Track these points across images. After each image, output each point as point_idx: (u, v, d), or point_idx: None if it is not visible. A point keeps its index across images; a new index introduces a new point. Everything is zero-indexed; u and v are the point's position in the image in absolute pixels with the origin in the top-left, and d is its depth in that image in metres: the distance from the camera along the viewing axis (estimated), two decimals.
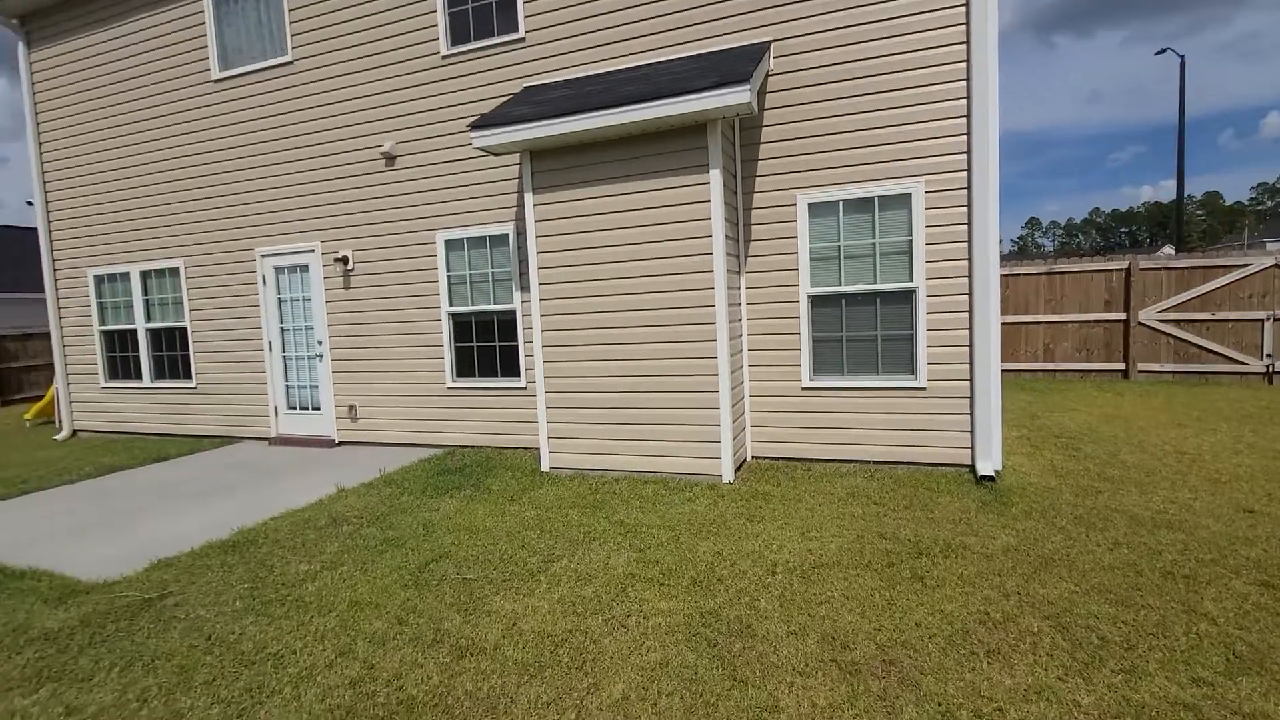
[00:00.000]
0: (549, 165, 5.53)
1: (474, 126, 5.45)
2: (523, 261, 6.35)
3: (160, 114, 7.94)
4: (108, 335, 8.74)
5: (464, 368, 6.77)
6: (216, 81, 7.60)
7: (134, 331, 8.51)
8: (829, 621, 2.99)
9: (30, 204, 8.86)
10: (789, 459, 5.76)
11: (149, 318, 8.42)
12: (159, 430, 8.53)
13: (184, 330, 8.19)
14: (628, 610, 3.16)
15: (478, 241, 6.57)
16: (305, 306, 7.51)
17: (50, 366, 13.74)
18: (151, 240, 8.21)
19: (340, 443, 7.43)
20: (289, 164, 7.32)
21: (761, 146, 5.62)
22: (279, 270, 7.60)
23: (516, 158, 6.28)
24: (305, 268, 7.43)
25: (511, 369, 6.56)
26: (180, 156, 7.91)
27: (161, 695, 2.65)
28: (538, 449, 6.32)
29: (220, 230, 7.80)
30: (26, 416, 11.46)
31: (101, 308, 8.70)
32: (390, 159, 6.86)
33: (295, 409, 7.71)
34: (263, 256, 7.61)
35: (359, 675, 2.71)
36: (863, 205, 5.37)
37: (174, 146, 7.93)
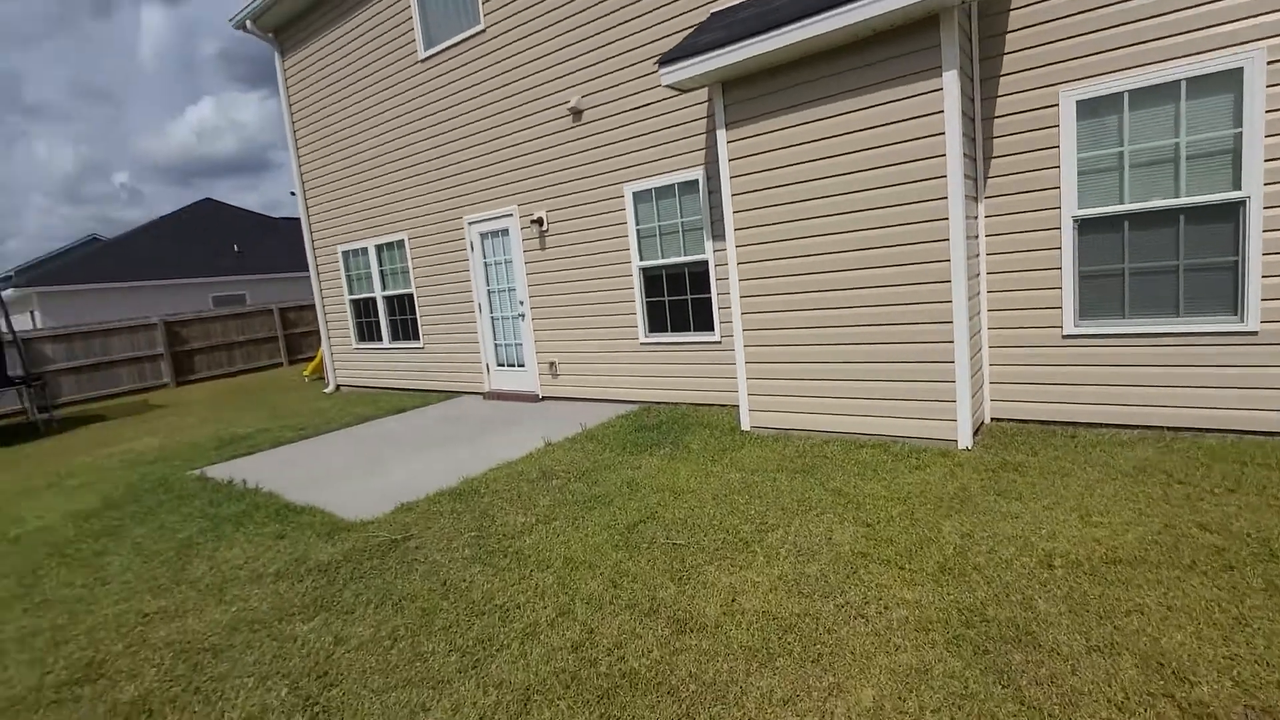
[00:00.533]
0: (742, 96, 5.00)
1: (661, 62, 5.08)
2: (714, 208, 5.95)
3: (381, 99, 8.74)
4: (355, 303, 10.09)
5: (656, 323, 6.63)
6: (423, 61, 8.12)
7: (374, 299, 9.71)
8: (1147, 639, 2.29)
9: (293, 194, 10.33)
10: (1042, 421, 4.77)
11: (384, 286, 9.53)
12: (397, 385, 9.73)
13: (411, 296, 9.14)
14: (864, 596, 2.73)
15: (665, 191, 6.29)
16: (507, 269, 7.90)
17: (319, 332, 16.51)
18: (383, 216, 9.20)
19: (542, 398, 7.81)
20: (487, 131, 7.63)
21: (1007, 37, 4.52)
22: (484, 236, 8.06)
23: (704, 95, 5.82)
24: (505, 232, 7.78)
25: (705, 323, 6.27)
26: (400, 136, 8.67)
27: (408, 636, 2.82)
28: (735, 407, 6.00)
29: (435, 202, 8.46)
30: (304, 373, 13.91)
31: (349, 279, 10.05)
32: (577, 114, 6.80)
33: (503, 366, 8.25)
34: (470, 224, 8.11)
35: (580, 639, 2.64)
36: (1156, 95, 4.08)
37: (395, 128, 8.70)
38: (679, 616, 2.72)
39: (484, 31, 7.41)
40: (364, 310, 9.96)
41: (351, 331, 10.22)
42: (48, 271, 20.25)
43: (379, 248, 9.40)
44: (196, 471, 6.17)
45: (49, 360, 13.93)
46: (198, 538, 4.34)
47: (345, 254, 9.96)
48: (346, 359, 10.51)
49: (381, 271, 9.49)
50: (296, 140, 10.24)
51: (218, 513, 4.80)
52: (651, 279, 6.58)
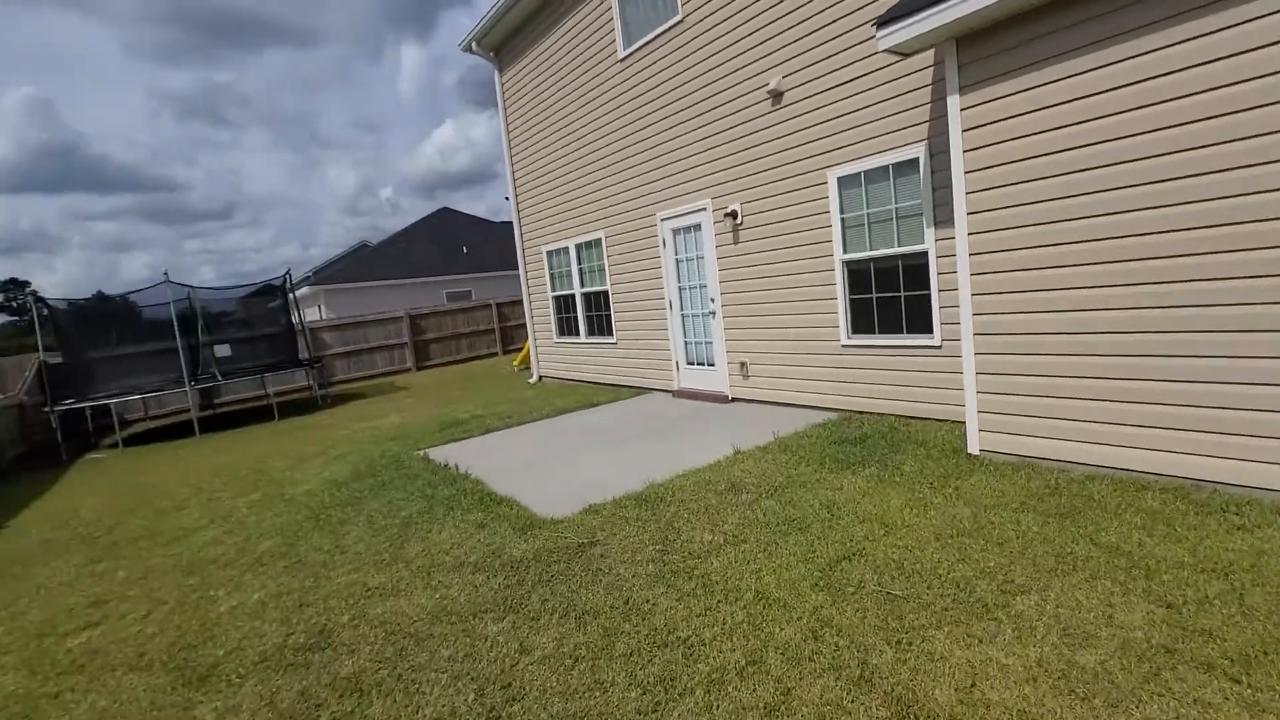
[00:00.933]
0: (983, 53, 4.14)
1: (880, 23, 4.41)
2: (939, 189, 5.09)
3: (583, 104, 9.05)
4: (556, 300, 10.68)
5: (861, 322, 5.93)
6: (622, 60, 8.21)
7: (573, 296, 10.17)
8: None
9: (507, 199, 11.21)
10: None
11: (582, 283, 9.93)
12: (591, 379, 10.11)
13: (606, 293, 9.39)
14: (1176, 714, 1.98)
15: (877, 174, 5.55)
16: (698, 265, 7.69)
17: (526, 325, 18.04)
18: (582, 216, 9.57)
19: (732, 399, 7.48)
20: (682, 124, 7.47)
21: None
22: (675, 232, 7.94)
23: (928, 58, 4.98)
24: (698, 227, 7.57)
25: (921, 323, 5.43)
26: (599, 137, 8.91)
27: (589, 658, 2.68)
28: (959, 423, 5.11)
29: (629, 200, 8.55)
30: (514, 364, 15.22)
31: (552, 277, 10.66)
32: (777, 96, 6.30)
33: (693, 364, 8.08)
34: (662, 220, 8.05)
35: (774, 701, 2.27)
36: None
37: (594, 130, 8.97)
38: (899, 695, 2.22)
39: (681, 22, 7.23)
40: (564, 306, 10.49)
41: (553, 326, 10.84)
42: (329, 273, 24.83)
43: (578, 246, 9.80)
44: (421, 452, 6.90)
45: (327, 346, 16.98)
46: (416, 517, 4.75)
47: (549, 253, 10.57)
48: (548, 352, 11.19)
49: (580, 269, 9.89)
50: (511, 150, 11.09)
51: (434, 495, 5.24)
52: (856, 274, 5.88)
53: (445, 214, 30.27)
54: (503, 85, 10.91)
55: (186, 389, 10.81)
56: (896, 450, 4.87)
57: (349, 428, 9.56)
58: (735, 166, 6.89)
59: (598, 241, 9.33)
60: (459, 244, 27.83)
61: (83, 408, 10.66)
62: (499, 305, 19.46)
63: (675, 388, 8.33)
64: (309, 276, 28.63)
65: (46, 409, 10.54)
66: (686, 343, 8.14)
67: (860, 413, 6.03)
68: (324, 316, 23.34)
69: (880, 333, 5.77)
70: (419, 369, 18.11)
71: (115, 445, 10.69)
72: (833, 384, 6.26)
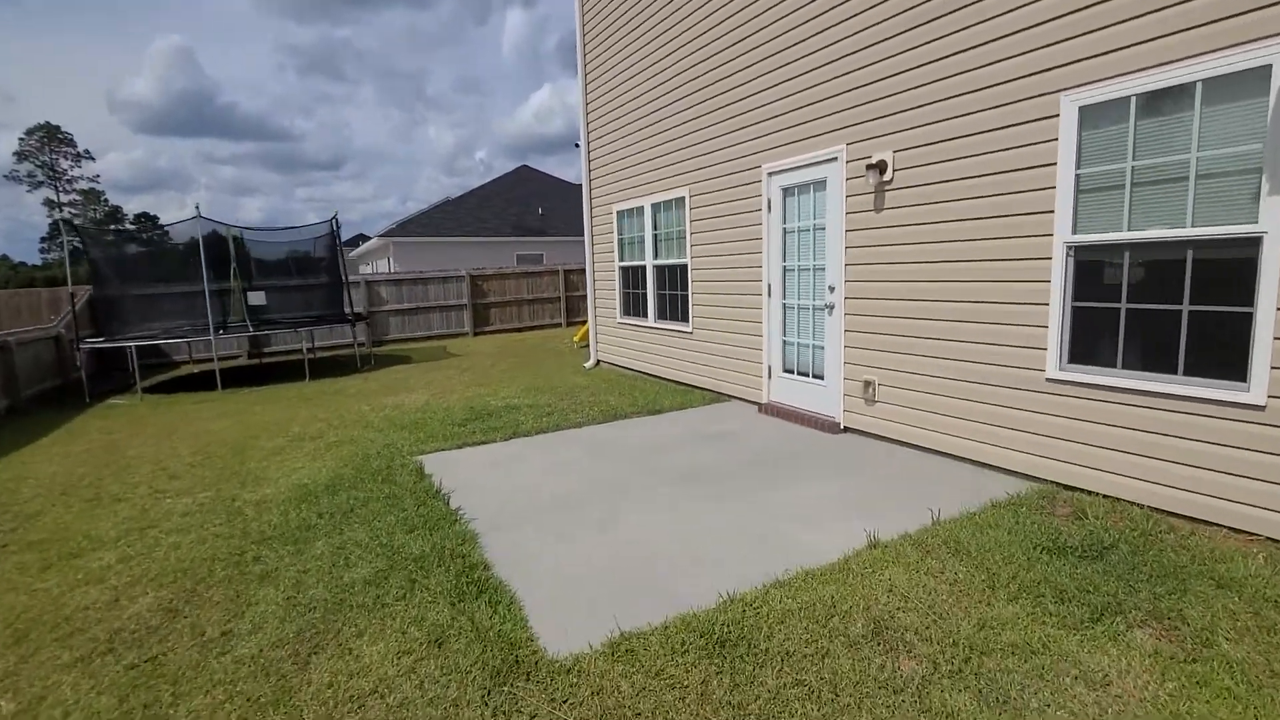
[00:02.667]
0: None
1: None
2: None
3: (670, 34, 6.98)
4: (624, 271, 8.80)
5: (1089, 347, 3.71)
6: None
7: (643, 269, 8.25)
8: None
9: (577, 145, 9.34)
10: None
11: (656, 253, 7.99)
12: (657, 372, 8.22)
13: (684, 268, 7.42)
14: None
15: (1168, 97, 3.27)
16: (816, 239, 5.58)
17: None
18: (662, 170, 7.58)
19: (846, 428, 5.40)
20: (801, 48, 5.31)
21: None
22: (787, 191, 5.84)
23: None
24: (821, 184, 5.44)
25: (1223, 362, 3.18)
26: (688, 75, 6.85)
27: None
28: None
29: (725, 148, 6.49)
30: (575, 339, 13.55)
31: (621, 244, 8.77)
32: None
33: (792, 373, 6.03)
34: (769, 175, 5.96)
35: None
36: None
37: (682, 66, 6.90)
38: None
39: None
40: (632, 280, 8.60)
41: (617, 302, 8.99)
42: (400, 226, 23.99)
43: (655, 206, 7.84)
44: (422, 460, 5.27)
45: (383, 301, 15.91)
46: (358, 594, 3.06)
47: (620, 214, 8.67)
48: (610, 333, 9.37)
49: (655, 236, 7.95)
50: (586, 83, 9.19)
51: (402, 547, 3.55)
52: (1090, 267, 3.65)
53: (524, 172, 28.89)
54: (584, 1, 8.96)
55: (211, 337, 9.75)
56: (1176, 585, 2.71)
57: (371, 401, 8.16)
58: (889, 98, 4.70)
59: (679, 201, 7.34)
60: (536, 204, 26.40)
61: (114, 347, 9.83)
62: (567, 272, 17.83)
63: (763, 399, 6.32)
64: (392, 229, 28.04)
65: (76, 345, 9.81)
66: (786, 343, 6.08)
67: (1074, 488, 3.84)
68: (392, 270, 22.56)
69: (1130, 368, 3.54)
70: (476, 334, 16.82)
71: (136, 392, 9.81)
72: (1025, 436, 4.07)
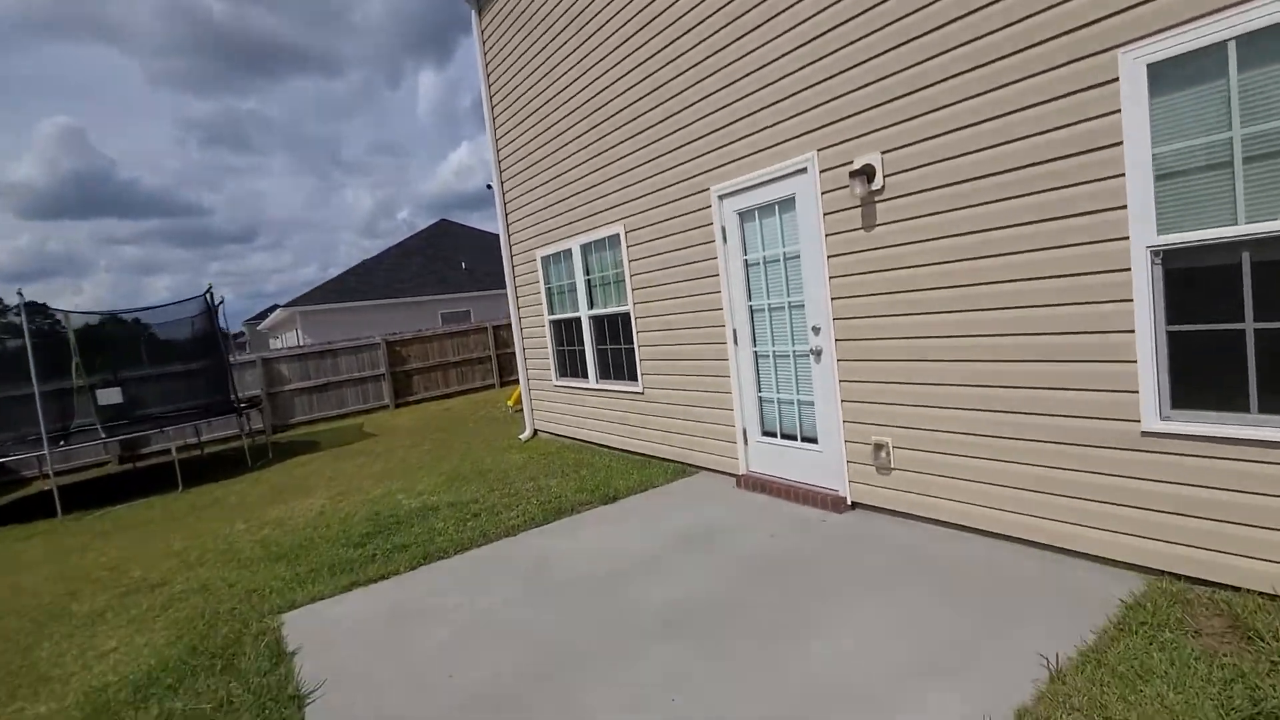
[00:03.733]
0: None
1: None
2: None
3: (588, 46, 5.98)
4: (556, 326, 7.54)
5: (1200, 386, 2.68)
6: None
7: (578, 321, 7.01)
8: None
9: (489, 187, 8.14)
10: None
11: (591, 303, 6.78)
12: (606, 442, 6.91)
13: (626, 318, 6.23)
14: None
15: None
16: (789, 269, 4.51)
17: None
18: (590, 205, 6.45)
19: (854, 504, 4.24)
20: (744, 44, 4.35)
21: None
22: (745, 216, 4.78)
23: None
24: (788, 203, 4.40)
25: None
26: (609, 98, 5.82)
27: None
28: None
29: (661, 174, 5.42)
30: (509, 403, 12.07)
31: (549, 294, 7.53)
32: None
33: (774, 436, 4.86)
34: (720, 199, 4.90)
35: None
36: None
37: (604, 82, 5.88)
38: None
39: None
40: (567, 335, 7.35)
41: (552, 362, 7.69)
42: (307, 295, 21.99)
43: (585, 248, 6.68)
44: (289, 622, 3.73)
45: (284, 381, 13.99)
46: None
47: (546, 260, 7.46)
48: (546, 397, 8.02)
49: (589, 282, 6.76)
50: (494, 118, 8.05)
51: None
52: (1185, 281, 2.67)
53: (444, 226, 27.46)
54: (482, 32, 7.90)
55: (45, 451, 7.78)
56: None
57: (251, 516, 6.47)
58: (870, 84, 3.72)
59: (613, 240, 6.20)
60: (458, 259, 24.95)
61: None
62: (496, 328, 16.40)
63: (740, 470, 5.11)
64: (298, 298, 25.91)
65: None
66: (764, 400, 4.93)
67: (1207, 583, 2.76)
68: (302, 342, 20.45)
69: (1270, 410, 2.53)
70: (398, 405, 15.04)
71: None
72: (1117, 512, 2.97)
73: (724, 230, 4.92)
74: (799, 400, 4.60)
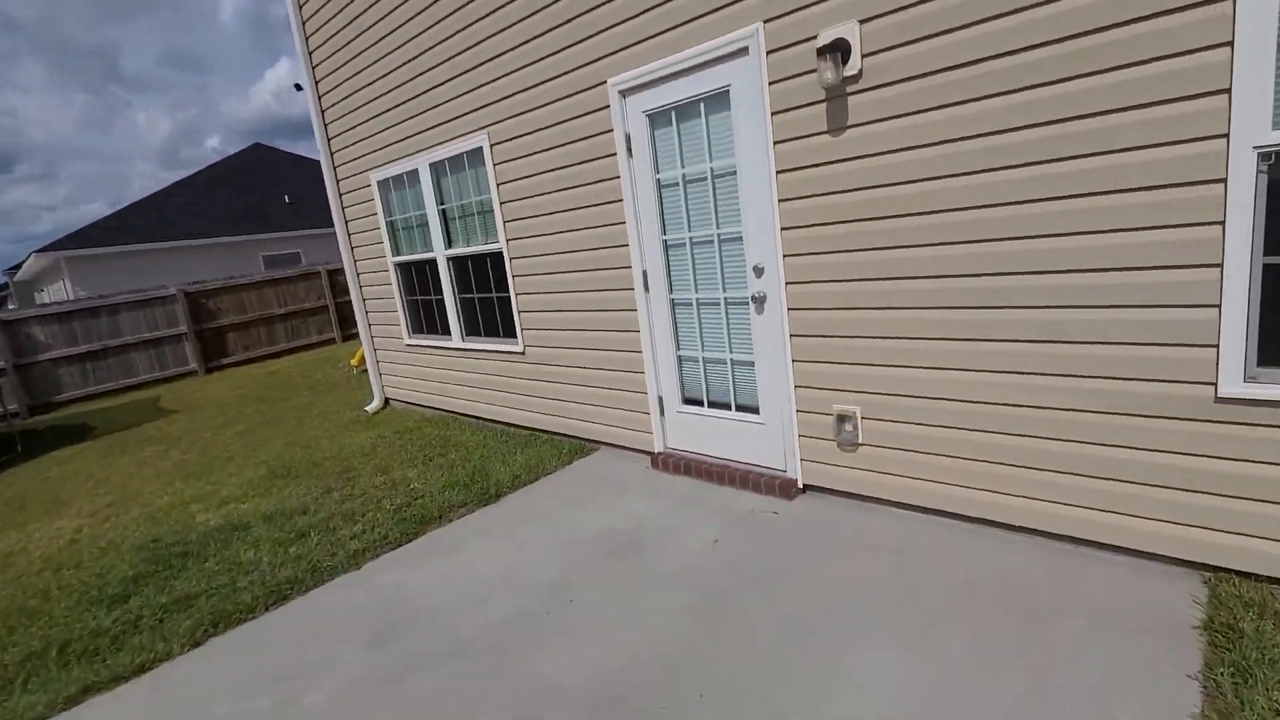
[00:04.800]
0: None
1: None
2: None
3: None
4: (404, 270, 5.95)
5: None
6: None
7: (433, 263, 5.50)
8: None
9: (298, 88, 6.14)
10: None
11: (450, 240, 5.30)
12: (478, 412, 5.61)
13: (498, 258, 4.87)
14: None
15: None
16: (719, 191, 3.44)
17: None
18: (443, 108, 4.88)
19: (806, 487, 3.44)
20: None
21: None
22: (656, 118, 3.59)
23: None
24: (719, 99, 3.28)
25: None
26: None
27: None
28: None
29: (539, 62, 4.04)
30: (352, 363, 10.14)
31: (393, 230, 5.88)
32: None
33: (699, 405, 3.89)
34: (622, 94, 3.66)
35: None
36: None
37: None
38: None
39: None
40: (420, 281, 5.81)
41: (402, 317, 6.12)
42: (75, 236, 17.42)
43: (437, 168, 5.13)
44: None
45: (42, 348, 10.79)
46: None
47: (384, 185, 5.77)
48: (398, 359, 6.47)
49: (444, 212, 5.25)
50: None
51: None
52: None
53: (260, 153, 23.07)
54: None
55: None
56: None
57: None
58: None
59: (475, 155, 4.74)
60: (281, 191, 21.14)
61: None
62: (331, 273, 13.89)
63: (656, 447, 4.13)
64: (63, 240, 20.69)
65: None
66: (684, 359, 3.92)
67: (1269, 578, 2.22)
68: (73, 296, 16.25)
69: None
70: (210, 370, 12.35)
71: None
72: (1178, 498, 2.34)
73: (628, 139, 3.71)
74: (734, 360, 3.64)
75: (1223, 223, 2.06)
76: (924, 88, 2.57)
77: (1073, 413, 2.50)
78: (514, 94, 4.27)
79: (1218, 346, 2.14)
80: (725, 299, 3.57)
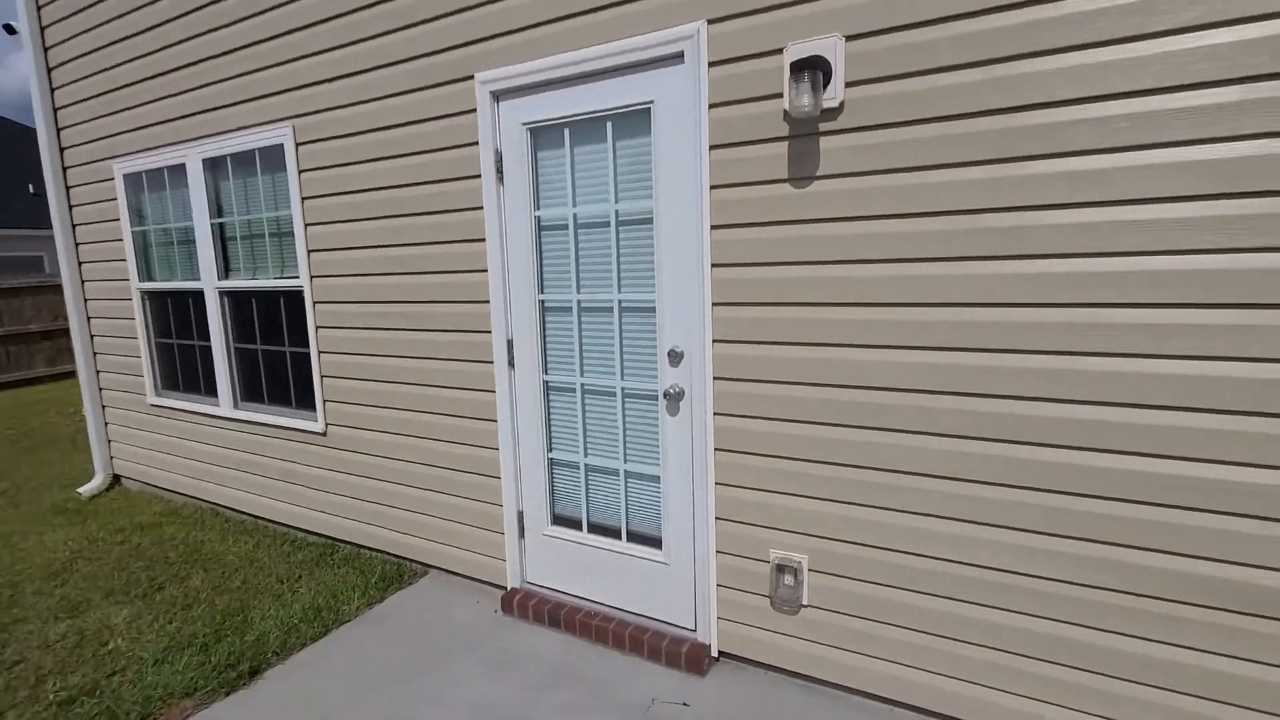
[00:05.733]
0: None
1: None
2: None
3: None
4: (156, 301, 4.23)
5: None
6: None
7: (199, 296, 3.91)
8: None
9: (10, 30, 4.29)
10: None
11: (226, 267, 3.78)
12: (257, 510, 4.00)
13: (296, 298, 3.49)
14: None
15: None
16: (623, 240, 2.50)
17: None
18: (229, 88, 3.46)
19: (722, 655, 2.50)
20: None
21: None
22: (542, 134, 2.60)
23: None
24: (635, 119, 2.38)
25: None
26: None
27: None
28: None
29: (381, 42, 2.89)
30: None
31: (144, 244, 4.17)
32: None
33: (578, 528, 2.82)
34: (495, 96, 2.63)
35: None
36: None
37: None
38: None
39: None
40: (178, 320, 4.14)
41: (148, 365, 4.34)
42: None
43: (215, 165, 3.65)
44: None
45: None
46: None
47: (132, 180, 4.09)
48: (136, 424, 4.58)
49: (220, 228, 3.74)
50: None
51: None
52: None
53: None
54: None
55: None
56: None
57: None
58: None
59: (273, 154, 3.38)
60: (23, 179, 16.74)
61: None
62: None
63: (511, 580, 2.97)
64: None
65: None
66: (558, 465, 2.85)
67: None
68: None
69: None
70: None
71: None
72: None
73: (499, 158, 2.68)
74: (630, 473, 2.66)
75: None
76: (935, 137, 1.89)
77: (1114, 594, 1.85)
78: (336, 78, 3.06)
79: None
80: (624, 390, 2.60)
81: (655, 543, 2.61)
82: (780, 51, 2.03)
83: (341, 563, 3.45)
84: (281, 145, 3.30)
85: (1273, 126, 1.54)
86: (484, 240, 2.76)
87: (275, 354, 3.69)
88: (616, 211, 2.49)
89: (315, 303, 3.37)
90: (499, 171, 2.68)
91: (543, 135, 2.61)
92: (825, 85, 1.96)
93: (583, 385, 2.69)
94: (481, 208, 2.74)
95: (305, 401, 3.59)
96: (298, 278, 3.41)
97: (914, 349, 2.00)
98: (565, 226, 2.62)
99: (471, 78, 2.67)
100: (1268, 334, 1.60)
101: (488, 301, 2.80)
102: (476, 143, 2.70)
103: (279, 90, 3.26)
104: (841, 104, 1.97)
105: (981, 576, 2.01)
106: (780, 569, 2.30)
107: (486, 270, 2.77)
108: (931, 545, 2.06)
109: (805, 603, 2.29)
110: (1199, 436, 1.69)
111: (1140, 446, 1.76)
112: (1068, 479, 1.86)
